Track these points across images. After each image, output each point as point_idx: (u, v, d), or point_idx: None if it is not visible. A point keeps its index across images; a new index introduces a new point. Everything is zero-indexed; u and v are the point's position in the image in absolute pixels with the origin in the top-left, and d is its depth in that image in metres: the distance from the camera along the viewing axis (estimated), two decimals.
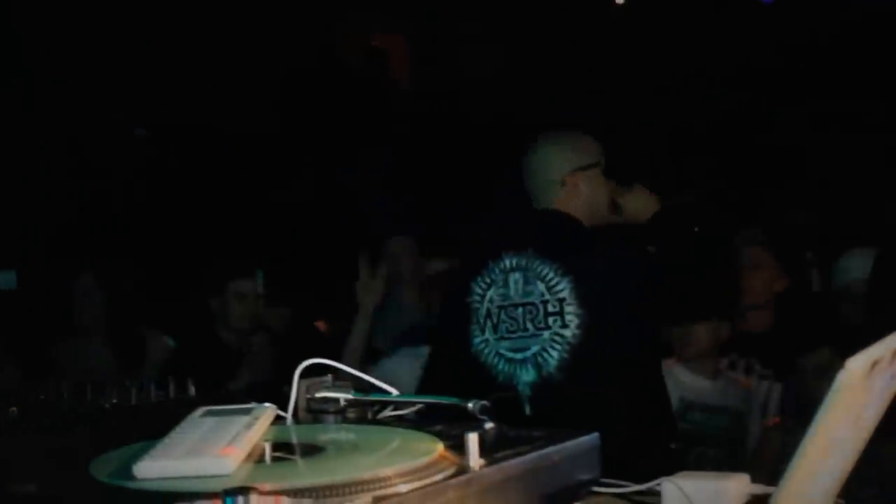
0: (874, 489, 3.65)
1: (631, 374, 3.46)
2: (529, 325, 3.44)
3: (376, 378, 1.89)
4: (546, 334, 3.42)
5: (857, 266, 4.51)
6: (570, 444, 1.69)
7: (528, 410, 3.43)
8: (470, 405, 1.72)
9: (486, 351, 3.52)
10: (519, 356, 3.45)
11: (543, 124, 3.80)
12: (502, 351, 3.48)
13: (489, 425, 1.71)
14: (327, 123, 7.45)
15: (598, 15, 7.93)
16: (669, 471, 1.87)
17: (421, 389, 3.67)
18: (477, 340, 3.53)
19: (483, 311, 3.53)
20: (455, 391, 3.45)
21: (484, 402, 1.72)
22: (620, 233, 3.70)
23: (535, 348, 3.43)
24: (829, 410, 1.17)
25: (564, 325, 3.39)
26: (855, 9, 7.58)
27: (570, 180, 3.54)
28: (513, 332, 3.47)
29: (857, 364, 1.17)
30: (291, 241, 7.54)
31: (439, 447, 1.56)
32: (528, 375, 3.43)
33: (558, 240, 3.49)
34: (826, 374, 4.14)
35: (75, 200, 7.48)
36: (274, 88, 7.68)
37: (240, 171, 7.90)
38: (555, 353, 3.40)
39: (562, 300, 3.40)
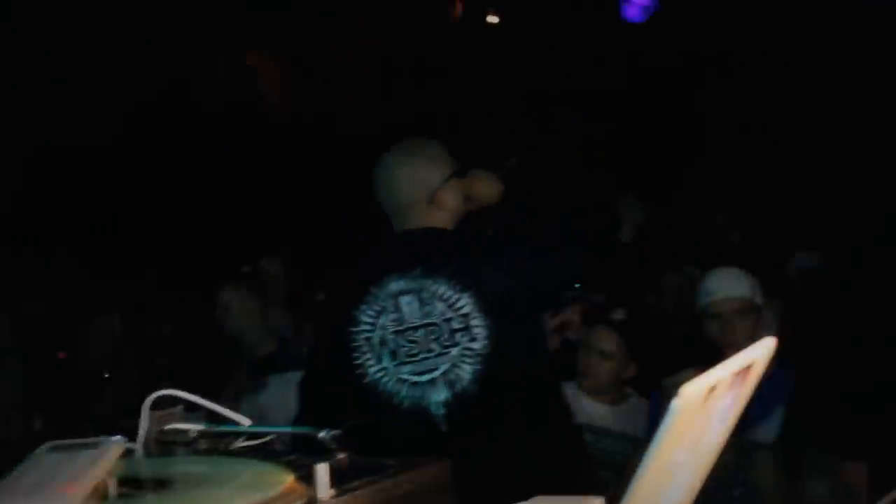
0: None
1: (538, 378, 3.48)
2: (434, 346, 3.39)
3: (253, 408, 1.87)
4: (455, 351, 3.37)
5: (716, 284, 4.55)
6: (420, 471, 1.69)
7: (444, 428, 3.39)
8: (321, 434, 1.70)
9: (384, 379, 3.43)
10: (426, 378, 3.39)
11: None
12: (404, 376, 3.41)
13: (342, 455, 1.69)
14: (192, 140, 7.33)
15: (471, 33, 7.98)
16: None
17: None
18: (373, 370, 3.43)
19: (376, 340, 3.43)
20: (353, 421, 3.40)
21: (336, 432, 1.70)
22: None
23: (444, 367, 3.38)
24: (665, 436, 1.18)
25: (473, 339, 3.36)
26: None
27: (438, 196, 3.49)
28: (414, 356, 3.41)
29: (691, 390, 1.18)
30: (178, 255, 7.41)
31: (289, 479, 1.54)
32: (439, 395, 3.38)
33: (446, 257, 3.44)
34: None
35: None
36: (139, 104, 7.53)
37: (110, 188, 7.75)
38: (467, 367, 3.37)
39: (466, 315, 3.37)
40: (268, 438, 1.88)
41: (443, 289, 3.39)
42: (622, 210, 5.65)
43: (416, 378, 3.40)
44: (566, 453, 3.47)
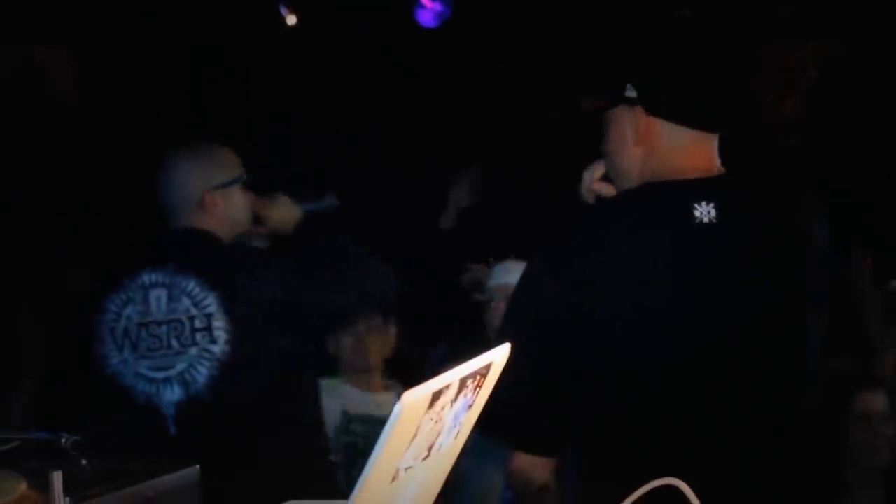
0: None
1: (279, 386, 3.47)
2: (174, 343, 3.36)
3: None
4: (193, 351, 3.35)
5: (500, 272, 4.57)
6: (167, 478, 1.66)
7: (173, 430, 3.37)
8: (62, 440, 1.67)
9: (124, 371, 3.40)
10: (161, 375, 3.36)
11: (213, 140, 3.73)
12: (142, 370, 3.38)
13: (84, 462, 1.66)
14: None
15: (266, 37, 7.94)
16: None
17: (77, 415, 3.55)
18: (114, 361, 3.41)
19: (120, 330, 3.40)
20: (91, 416, 3.34)
21: (77, 438, 1.67)
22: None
23: (181, 366, 3.36)
24: (388, 442, 1.19)
25: (213, 341, 3.35)
26: None
27: (208, 198, 3.48)
28: (154, 351, 3.37)
29: (413, 397, 1.20)
30: None
31: (21, 486, 1.50)
32: (173, 394, 3.36)
33: (201, 256, 3.45)
34: None
35: None
36: None
37: None
38: (203, 370, 3.35)
39: (209, 315, 3.35)
40: (11, 445, 1.83)
41: (191, 285, 3.38)
42: (454, 190, 5.62)
43: (152, 374, 3.38)
44: (312, 466, 3.50)
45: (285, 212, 3.62)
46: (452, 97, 8.01)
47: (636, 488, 1.63)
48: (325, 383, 4.49)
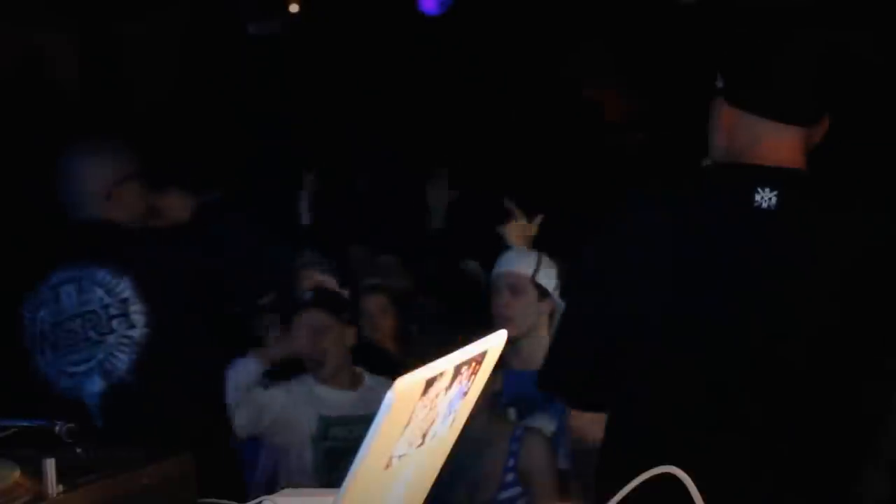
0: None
1: (201, 368, 3.50)
2: (92, 333, 3.35)
3: None
4: (111, 338, 3.34)
5: (502, 260, 4.54)
6: (162, 465, 1.66)
7: (100, 422, 3.35)
8: (57, 428, 1.66)
9: (48, 371, 3.40)
10: (82, 368, 3.36)
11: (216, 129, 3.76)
12: (64, 367, 3.38)
13: (79, 448, 1.65)
14: None
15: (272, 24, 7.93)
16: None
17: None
18: (40, 363, 3.42)
19: (37, 333, 3.41)
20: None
21: (71, 425, 1.66)
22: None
23: (100, 356, 3.34)
24: (380, 430, 1.18)
25: (131, 326, 3.34)
26: None
27: (114, 191, 3.47)
28: (73, 345, 3.37)
29: (405, 384, 1.19)
30: None
31: (15, 474, 1.49)
32: (94, 386, 3.35)
33: (110, 245, 3.43)
34: None
35: None
36: None
37: None
38: (123, 357, 3.34)
39: (125, 300, 3.34)
40: (6, 433, 1.82)
41: (101, 274, 3.36)
42: (430, 195, 5.65)
43: (73, 368, 3.37)
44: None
45: (179, 203, 3.69)
46: (455, 88, 8.00)
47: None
48: (297, 391, 4.35)
